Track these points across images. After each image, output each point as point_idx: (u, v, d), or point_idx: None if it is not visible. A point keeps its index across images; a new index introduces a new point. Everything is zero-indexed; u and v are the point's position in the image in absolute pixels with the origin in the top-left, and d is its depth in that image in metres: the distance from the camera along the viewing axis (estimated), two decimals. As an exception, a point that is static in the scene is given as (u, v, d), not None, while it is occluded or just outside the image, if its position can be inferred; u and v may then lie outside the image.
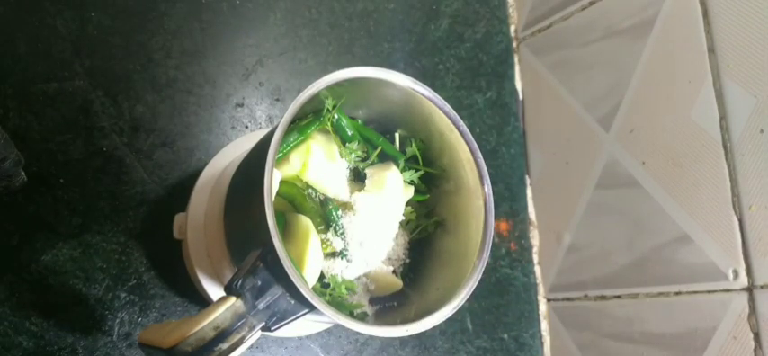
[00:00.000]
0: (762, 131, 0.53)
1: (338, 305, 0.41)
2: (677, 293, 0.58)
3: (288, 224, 0.41)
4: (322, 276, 0.41)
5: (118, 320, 0.52)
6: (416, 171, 0.45)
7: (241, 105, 0.61)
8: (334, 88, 0.38)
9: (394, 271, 0.44)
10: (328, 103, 0.41)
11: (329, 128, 0.43)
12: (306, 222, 0.40)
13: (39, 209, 0.51)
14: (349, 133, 0.44)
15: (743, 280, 0.53)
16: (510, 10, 0.80)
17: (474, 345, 0.67)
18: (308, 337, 0.59)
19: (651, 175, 0.61)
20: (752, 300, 0.53)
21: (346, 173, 0.44)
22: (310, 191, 0.42)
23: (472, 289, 0.38)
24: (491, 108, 0.75)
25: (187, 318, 0.33)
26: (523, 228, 0.74)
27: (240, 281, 0.33)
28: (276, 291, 0.34)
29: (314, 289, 0.40)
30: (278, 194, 0.41)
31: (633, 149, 0.64)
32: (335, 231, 0.41)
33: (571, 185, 0.71)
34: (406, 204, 0.45)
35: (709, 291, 0.56)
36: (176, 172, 0.57)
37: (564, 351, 0.70)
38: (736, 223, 0.54)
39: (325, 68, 0.66)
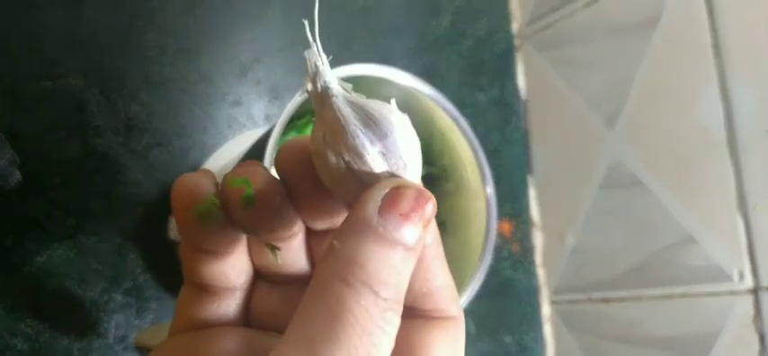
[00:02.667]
0: (767, 131, 0.52)
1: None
2: (682, 295, 0.58)
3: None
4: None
5: (114, 322, 0.52)
6: (417, 171, 0.44)
7: (238, 103, 0.60)
8: (333, 87, 0.38)
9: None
10: (327, 102, 0.40)
11: (328, 127, 0.42)
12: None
13: (33, 210, 0.51)
14: (348, 132, 0.43)
15: (748, 282, 0.53)
16: (512, 7, 0.79)
17: (476, 348, 0.66)
18: (306, 339, 0.59)
19: (655, 176, 0.61)
20: (757, 302, 0.52)
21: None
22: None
23: (474, 291, 0.38)
24: (493, 106, 0.74)
25: (181, 323, 0.33)
26: (526, 229, 0.73)
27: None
28: (273, 295, 0.33)
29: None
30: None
31: (637, 149, 0.63)
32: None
33: (575, 185, 0.70)
34: (407, 205, 0.44)
35: (714, 293, 0.55)
36: (172, 172, 0.56)
37: (567, 355, 0.69)
38: (742, 224, 0.53)
39: (325, 66, 0.65)
